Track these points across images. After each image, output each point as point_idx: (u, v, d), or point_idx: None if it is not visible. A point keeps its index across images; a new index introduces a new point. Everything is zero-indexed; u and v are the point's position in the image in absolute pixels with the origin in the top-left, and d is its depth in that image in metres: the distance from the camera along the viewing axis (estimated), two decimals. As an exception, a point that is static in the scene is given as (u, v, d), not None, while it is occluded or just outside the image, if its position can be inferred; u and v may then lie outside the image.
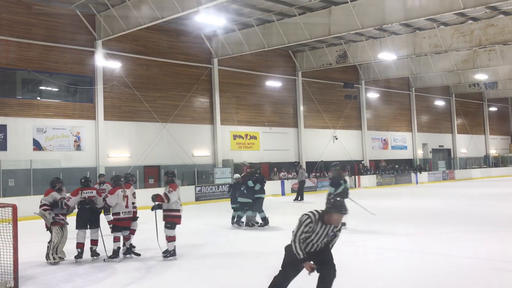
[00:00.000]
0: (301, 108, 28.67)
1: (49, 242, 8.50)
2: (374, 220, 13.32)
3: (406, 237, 10.22)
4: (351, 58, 26.45)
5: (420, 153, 37.14)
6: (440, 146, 39.44)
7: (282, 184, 24.21)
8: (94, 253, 8.72)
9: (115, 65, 21.11)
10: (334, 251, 5.34)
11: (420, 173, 33.12)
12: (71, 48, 20.14)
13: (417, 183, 32.10)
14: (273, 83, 27.31)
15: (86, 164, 20.05)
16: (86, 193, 8.93)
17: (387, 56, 25.08)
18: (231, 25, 22.66)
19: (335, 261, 5.08)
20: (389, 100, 35.00)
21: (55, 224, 8.49)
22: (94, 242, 8.75)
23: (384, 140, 34.44)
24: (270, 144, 27.11)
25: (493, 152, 44.66)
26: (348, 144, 31.48)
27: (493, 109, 45.33)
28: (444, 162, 37.39)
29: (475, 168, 40.09)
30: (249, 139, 26.21)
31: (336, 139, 30.72)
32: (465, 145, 41.70)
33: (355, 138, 32.26)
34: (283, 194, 23.85)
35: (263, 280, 6.79)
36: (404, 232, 10.92)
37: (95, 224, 8.84)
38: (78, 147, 20.14)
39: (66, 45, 19.97)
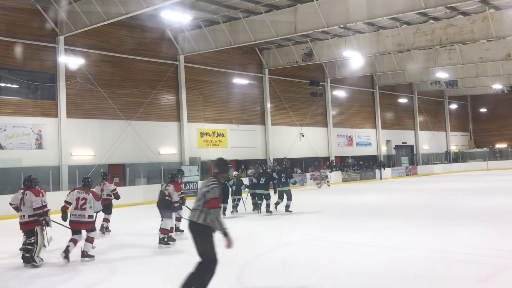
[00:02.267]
0: (268, 105, 28.78)
1: (32, 245, 8.10)
2: (340, 215, 13.53)
3: (372, 232, 10.42)
4: (317, 56, 26.73)
5: (384, 149, 37.95)
6: (403, 142, 40.40)
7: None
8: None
9: (78, 62, 20.61)
10: (301, 246, 5.39)
11: (384, 169, 33.83)
12: (32, 44, 19.53)
13: (381, 179, 32.77)
14: (240, 81, 27.30)
15: (48, 163, 19.52)
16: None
17: (352, 54, 25.47)
18: (197, 22, 22.50)
19: (303, 258, 5.10)
20: (354, 97, 35.59)
21: (39, 224, 8.18)
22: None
23: (349, 137, 35.00)
24: (237, 141, 27.11)
25: (453, 148, 46.11)
26: (314, 141, 31.84)
27: (453, 106, 46.76)
28: (407, 158, 38.33)
29: (437, 163, 41.29)
30: (216, 137, 26.12)
31: (303, 136, 31.00)
32: (427, 141, 42.87)
33: (321, 135, 32.65)
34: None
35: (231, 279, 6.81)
36: (370, 227, 11.13)
37: None
38: (39, 146, 19.56)
39: (26, 41, 19.35)
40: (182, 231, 10.76)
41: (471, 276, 6.29)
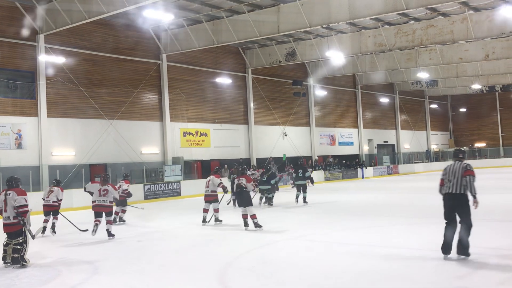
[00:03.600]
0: (251, 105, 28.82)
1: (20, 245, 7.98)
2: (323, 214, 13.64)
3: (353, 231, 10.54)
4: (300, 56, 26.86)
5: (366, 148, 38.32)
6: (384, 141, 40.85)
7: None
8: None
9: (59, 60, 20.35)
10: (283, 245, 5.43)
11: (366, 168, 34.15)
12: (11, 42, 19.23)
13: (363, 177, 33.09)
14: (224, 80, 27.27)
15: (28, 163, 19.24)
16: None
17: (334, 54, 25.66)
18: (180, 20, 22.42)
19: (285, 257, 5.15)
20: (336, 97, 35.85)
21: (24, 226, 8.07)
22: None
23: (332, 136, 35.26)
24: (220, 141, 27.09)
25: (434, 147, 46.78)
26: (297, 140, 31.99)
27: (433, 106, 47.43)
28: (389, 157, 38.76)
29: (418, 162, 41.86)
30: (199, 136, 26.06)
31: (286, 135, 31.13)
32: (408, 140, 43.42)
33: (303, 134, 32.82)
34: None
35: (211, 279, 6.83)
36: (351, 226, 11.24)
37: None
38: (19, 145, 19.27)
39: (5, 39, 19.05)
40: (221, 221, 12.50)
41: (449, 273, 6.41)
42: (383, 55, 29.77)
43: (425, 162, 43.05)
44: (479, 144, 47.58)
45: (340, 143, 35.93)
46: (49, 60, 20.07)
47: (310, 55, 26.88)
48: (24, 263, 7.89)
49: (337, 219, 12.64)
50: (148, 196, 20.78)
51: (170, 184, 21.72)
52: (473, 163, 43.11)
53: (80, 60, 21.34)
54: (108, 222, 10.87)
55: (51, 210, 11.66)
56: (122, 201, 13.28)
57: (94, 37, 21.84)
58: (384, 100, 40.73)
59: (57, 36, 20.30)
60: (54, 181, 12.47)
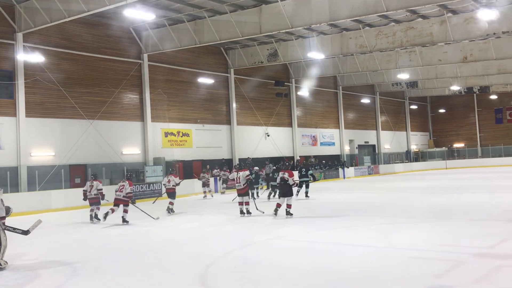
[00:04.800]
0: (234, 105, 28.80)
1: None
2: (305, 214, 13.70)
3: (333, 231, 10.61)
4: (282, 56, 26.94)
5: (347, 149, 38.63)
6: (365, 142, 41.25)
7: (215, 182, 24.17)
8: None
9: (38, 59, 20.02)
10: (264, 246, 5.44)
11: (347, 168, 34.42)
12: (-12, 40, 18.87)
13: (344, 178, 33.35)
14: (206, 80, 27.19)
15: (6, 164, 18.90)
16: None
17: (316, 55, 25.80)
18: (161, 20, 22.28)
19: (266, 257, 5.15)
20: (318, 98, 36.07)
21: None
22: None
23: (313, 136, 35.45)
24: (203, 141, 27.00)
25: (413, 147, 47.42)
26: (279, 140, 32.08)
27: (413, 107, 48.07)
28: (369, 157, 39.15)
29: (398, 162, 42.38)
30: (181, 136, 25.93)
31: (268, 136, 31.19)
32: (388, 141, 43.92)
33: (286, 135, 32.93)
34: (216, 191, 23.83)
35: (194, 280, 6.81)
36: (332, 225, 11.32)
37: None
38: (-4, 146, 18.91)
39: (-18, 37, 18.69)
40: (250, 213, 13.70)
41: (428, 271, 6.51)
42: (364, 57, 30.06)
43: (405, 162, 43.60)
44: (458, 145, 48.40)
45: (322, 144, 36.16)
46: (28, 59, 19.73)
47: (292, 56, 26.98)
48: (0, 266, 7.74)
49: (318, 219, 12.72)
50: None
51: (151, 184, 21.56)
52: (452, 163, 43.80)
53: (59, 60, 21.04)
54: (124, 211, 13.04)
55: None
56: (172, 194, 15.51)
57: (74, 36, 21.55)
58: (365, 101, 41.13)
59: (36, 35, 19.99)
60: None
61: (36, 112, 20.14)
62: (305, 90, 34.12)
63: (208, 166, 24.48)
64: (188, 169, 24.90)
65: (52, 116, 20.64)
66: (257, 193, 19.01)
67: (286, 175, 12.81)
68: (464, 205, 14.28)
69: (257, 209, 14.02)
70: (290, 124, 33.28)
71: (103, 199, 13.79)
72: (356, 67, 30.68)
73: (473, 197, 16.71)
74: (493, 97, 45.44)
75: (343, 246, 8.73)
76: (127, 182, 13.25)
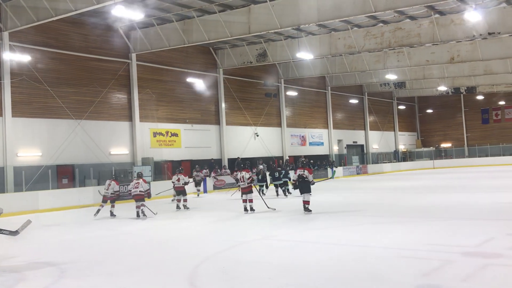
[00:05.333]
0: (223, 105, 28.76)
1: None
2: (293, 214, 13.73)
3: (322, 231, 10.65)
4: (271, 57, 26.96)
5: (335, 149, 38.79)
6: (354, 142, 41.45)
7: (204, 182, 24.11)
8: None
9: (24, 59, 19.81)
10: (253, 246, 5.43)
11: (336, 168, 34.55)
12: (-27, 39, 18.61)
13: (333, 177, 33.44)
14: (194, 80, 27.11)
15: (-9, 164, 18.66)
16: None
17: (304, 55, 25.85)
18: (150, 19, 22.17)
19: (255, 257, 5.14)
20: (307, 98, 36.17)
21: None
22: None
23: (302, 136, 35.54)
24: (191, 141, 26.92)
25: (401, 147, 47.77)
26: (268, 141, 32.11)
27: (401, 107, 48.43)
28: (358, 157, 39.35)
29: (386, 162, 42.65)
30: (170, 137, 25.83)
31: (257, 136, 31.19)
32: (376, 141, 44.18)
33: (275, 135, 32.96)
34: (205, 191, 23.77)
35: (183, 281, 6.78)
36: (321, 225, 11.36)
37: None
38: (-18, 146, 18.65)
39: (-33, 36, 18.42)
40: (254, 210, 14.30)
41: (416, 270, 6.56)
42: (352, 57, 30.20)
43: (393, 162, 43.89)
44: (445, 145, 48.86)
45: (310, 144, 36.26)
46: (14, 59, 19.51)
47: (281, 56, 27.02)
48: None
49: (308, 218, 12.75)
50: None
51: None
52: (439, 163, 44.17)
53: (46, 59, 20.83)
54: (137, 207, 14.47)
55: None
56: (183, 191, 16.67)
57: (61, 35, 21.35)
58: (354, 101, 41.34)
59: (22, 34, 19.76)
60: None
61: (23, 112, 19.92)
62: (294, 90, 34.19)
63: (196, 166, 24.40)
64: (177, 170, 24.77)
65: (39, 116, 20.43)
66: (262, 190, 19.79)
67: (305, 173, 13.33)
68: (451, 205, 14.42)
69: (268, 207, 14.55)
70: (279, 124, 33.33)
71: (117, 199, 15.91)
72: (345, 67, 30.82)
73: (460, 196, 16.88)
74: (480, 97, 45.96)
75: (332, 246, 8.76)
76: (113, 181, 15.20)
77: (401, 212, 13.20)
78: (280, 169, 20.48)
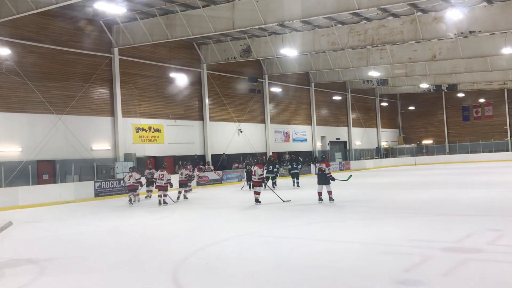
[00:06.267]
0: (207, 101, 28.63)
1: None
2: (277, 210, 13.76)
3: (305, 226, 10.69)
4: (255, 52, 26.92)
5: (319, 145, 38.98)
6: (337, 138, 41.71)
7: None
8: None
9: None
10: (237, 242, 5.41)
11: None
12: (-50, 31, 18.17)
13: (316, 173, 33.57)
14: (178, 75, 26.93)
15: (-31, 160, 18.29)
16: None
17: (288, 52, 25.88)
18: (133, 14, 21.93)
19: (238, 253, 5.13)
20: (291, 94, 36.25)
21: None
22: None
23: (286, 133, 35.62)
24: (175, 137, 26.76)
25: (384, 144, 48.22)
26: (252, 137, 32.10)
27: (384, 104, 48.87)
28: (341, 154, 39.60)
29: (368, 159, 43.02)
30: (152, 132, 25.64)
31: (241, 132, 31.16)
32: (359, 137, 44.52)
33: (259, 131, 32.97)
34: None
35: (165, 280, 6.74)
36: (303, 221, 11.41)
37: None
38: (-41, 141, 18.26)
39: None
40: (260, 202, 15.13)
41: (397, 266, 6.63)
42: (336, 54, 30.32)
43: (376, 158, 44.29)
44: (427, 141, 49.49)
45: (294, 140, 36.36)
46: (-7, 52, 19.12)
47: (265, 52, 26.99)
48: None
49: (290, 214, 12.79)
50: (99, 193, 20.24)
51: (122, 181, 21.23)
52: (421, 159, 44.57)
53: (26, 53, 20.47)
54: (160, 195, 16.30)
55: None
56: (185, 184, 18.38)
57: (42, 28, 20.99)
58: (337, 98, 41.57)
59: (1, 27, 19.36)
60: (130, 168, 18.31)
61: (2, 106, 19.56)
62: (278, 87, 34.21)
63: (180, 162, 24.26)
64: (160, 165, 24.56)
65: (18, 111, 20.08)
66: (273, 183, 21.20)
67: (323, 166, 14.55)
68: (432, 201, 14.61)
69: (283, 200, 15.46)
70: (263, 121, 33.34)
71: (141, 186, 18.03)
72: (328, 64, 30.94)
73: (440, 192, 17.11)
74: (461, 95, 46.61)
75: (315, 242, 8.80)
76: (165, 171, 16.59)
77: (383, 208, 13.33)
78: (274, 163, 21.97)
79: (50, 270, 7.38)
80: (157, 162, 24.99)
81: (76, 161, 21.38)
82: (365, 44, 24.59)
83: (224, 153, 28.73)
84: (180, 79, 27.14)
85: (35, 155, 20.34)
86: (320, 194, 14.62)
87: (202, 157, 27.80)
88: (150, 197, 19.09)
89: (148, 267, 7.36)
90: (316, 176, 15.05)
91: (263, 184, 17.77)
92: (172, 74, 26.69)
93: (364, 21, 24.17)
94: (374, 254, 7.49)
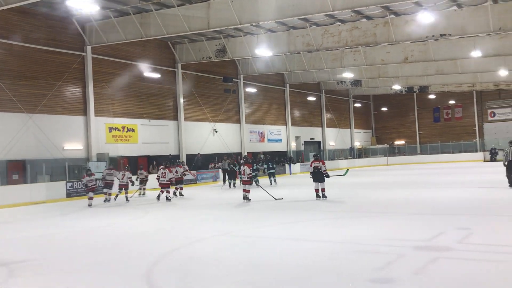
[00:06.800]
0: (181, 100, 28.45)
1: None
2: (252, 210, 13.78)
3: (280, 226, 10.75)
4: (230, 52, 26.88)
5: (293, 145, 39.22)
6: (311, 139, 42.05)
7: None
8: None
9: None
10: (212, 242, 5.38)
11: (294, 163, 34.94)
12: None
13: (290, 173, 33.83)
14: (152, 75, 26.66)
15: None
16: None
17: (263, 52, 25.94)
18: (106, 12, 21.60)
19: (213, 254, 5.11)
20: (266, 95, 36.36)
21: None
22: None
23: (261, 133, 35.71)
24: (149, 137, 26.50)
25: (357, 144, 48.86)
26: (227, 137, 32.06)
27: (357, 105, 49.52)
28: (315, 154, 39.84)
29: (342, 159, 43.50)
30: (126, 132, 25.32)
31: (216, 132, 31.08)
32: (333, 138, 45.00)
33: (234, 131, 32.95)
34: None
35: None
36: (279, 221, 11.46)
37: None
38: None
39: None
40: (249, 199, 15.82)
41: (370, 265, 6.73)
42: (310, 55, 30.56)
43: (349, 158, 44.83)
44: (399, 142, 50.38)
45: (269, 140, 36.49)
46: (-40, 48, 18.55)
47: (241, 52, 26.99)
48: None
49: (265, 214, 12.83)
50: (71, 193, 19.89)
51: (96, 181, 20.87)
52: (393, 159, 45.11)
53: (-5, 49, 19.94)
54: (163, 192, 17.53)
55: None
56: (181, 181, 19.62)
57: (12, 26, 20.47)
58: (311, 98, 41.90)
59: (-32, 23, 18.82)
60: (178, 161, 21.31)
61: (-31, 105, 18.99)
62: (253, 87, 34.27)
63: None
64: (133, 166, 24.31)
65: (-13, 109, 19.54)
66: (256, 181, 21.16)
67: (319, 164, 15.16)
68: (404, 200, 14.89)
69: (275, 198, 15.91)
70: (238, 121, 33.34)
71: (133, 184, 18.73)
72: (303, 65, 31.16)
73: (412, 192, 17.44)
74: (432, 96, 47.63)
75: (289, 241, 8.86)
76: (167, 169, 17.58)
77: (356, 208, 13.51)
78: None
79: (19, 273, 7.22)
80: (131, 162, 24.70)
81: (47, 161, 20.92)
82: (339, 46, 24.86)
83: (199, 153, 28.60)
84: (155, 79, 26.89)
85: (4, 155, 19.82)
86: (317, 191, 15.32)
87: (177, 157, 27.59)
88: (108, 200, 18.08)
89: (121, 268, 7.27)
90: (311, 174, 15.53)
91: (255, 183, 18.49)
92: (147, 73, 26.42)
93: (339, 23, 24.42)
94: (347, 253, 7.59)
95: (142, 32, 21.90)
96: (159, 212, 14.61)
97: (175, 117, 28.31)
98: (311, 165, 15.65)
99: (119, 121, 24.91)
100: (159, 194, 17.51)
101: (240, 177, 16.54)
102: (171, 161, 24.87)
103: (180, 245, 8.78)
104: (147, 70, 26.47)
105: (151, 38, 22.67)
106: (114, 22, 22.28)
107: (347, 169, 18.30)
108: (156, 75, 26.90)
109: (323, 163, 15.33)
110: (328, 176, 15.29)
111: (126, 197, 18.15)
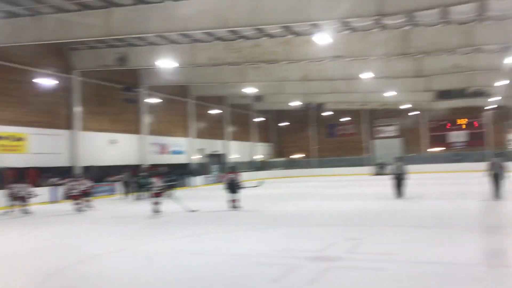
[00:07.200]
0: (77, 109, 27.05)
1: None
2: (150, 224, 13.47)
3: (179, 240, 10.65)
4: (132, 62, 26.19)
5: (196, 157, 39.06)
6: (214, 151, 42.22)
7: (54, 191, 22.32)
8: None
9: None
10: (105, 260, 5.20)
11: (195, 176, 34.77)
12: None
13: (192, 186, 33.62)
14: (45, 81, 25.02)
15: None
16: None
17: (166, 63, 25.60)
18: (-6, 11, 19.96)
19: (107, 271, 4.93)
20: (169, 106, 35.90)
21: None
22: None
23: (163, 145, 35.11)
24: (40, 147, 24.75)
25: (258, 157, 50.03)
26: (127, 148, 31.06)
27: (260, 119, 50.80)
28: (218, 166, 40.13)
29: (244, 171, 44.11)
30: (14, 141, 23.45)
31: (115, 143, 29.96)
32: (236, 150, 45.61)
33: (134, 142, 32.02)
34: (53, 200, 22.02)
35: None
36: (177, 234, 11.34)
37: None
38: None
39: None
40: (161, 211, 15.55)
41: (266, 276, 6.94)
42: (214, 69, 30.79)
43: (251, 171, 45.65)
44: (297, 155, 52.53)
45: (171, 152, 35.98)
46: None
47: (143, 62, 26.41)
48: None
49: (164, 228, 12.62)
50: None
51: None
52: (291, 172, 46.82)
53: None
54: (78, 204, 17.65)
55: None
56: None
57: None
58: (215, 111, 42.17)
59: None
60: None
61: None
62: (155, 97, 33.67)
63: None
64: (22, 178, 22.56)
65: None
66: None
67: (234, 176, 16.24)
68: (297, 212, 15.53)
69: (192, 210, 15.98)
70: (138, 131, 32.47)
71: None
72: (207, 78, 31.33)
73: (307, 204, 18.27)
74: (327, 113, 50.41)
75: (186, 255, 8.81)
76: (76, 182, 18.12)
77: (254, 220, 13.82)
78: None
79: None
80: (19, 174, 22.88)
81: None
82: (242, 61, 25.39)
83: (94, 165, 27.30)
84: (47, 85, 25.22)
85: None
86: (232, 201, 16.09)
87: (69, 169, 26.05)
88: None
89: (8, 285, 6.72)
90: (226, 185, 16.47)
91: (168, 195, 18.52)
92: (39, 80, 24.73)
93: (241, 39, 24.97)
94: (244, 266, 7.74)
95: (36, 35, 20.52)
96: (52, 226, 13.71)
97: (70, 127, 26.80)
98: (225, 177, 16.63)
99: (6, 130, 22.99)
100: (78, 206, 17.61)
101: (150, 190, 16.53)
102: (69, 174, 23.61)
103: (74, 261, 8.33)
104: (40, 76, 24.80)
105: (45, 42, 21.30)
106: (4, 23, 20.62)
107: (262, 181, 19.40)
108: (50, 82, 25.23)
109: (238, 175, 16.30)
110: (243, 187, 16.30)
111: (25, 210, 17.60)
